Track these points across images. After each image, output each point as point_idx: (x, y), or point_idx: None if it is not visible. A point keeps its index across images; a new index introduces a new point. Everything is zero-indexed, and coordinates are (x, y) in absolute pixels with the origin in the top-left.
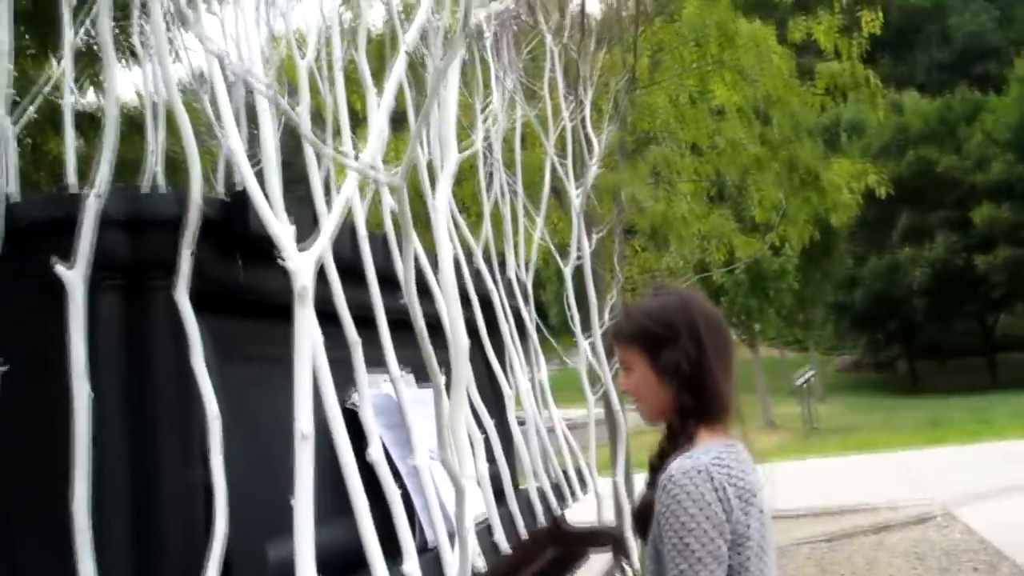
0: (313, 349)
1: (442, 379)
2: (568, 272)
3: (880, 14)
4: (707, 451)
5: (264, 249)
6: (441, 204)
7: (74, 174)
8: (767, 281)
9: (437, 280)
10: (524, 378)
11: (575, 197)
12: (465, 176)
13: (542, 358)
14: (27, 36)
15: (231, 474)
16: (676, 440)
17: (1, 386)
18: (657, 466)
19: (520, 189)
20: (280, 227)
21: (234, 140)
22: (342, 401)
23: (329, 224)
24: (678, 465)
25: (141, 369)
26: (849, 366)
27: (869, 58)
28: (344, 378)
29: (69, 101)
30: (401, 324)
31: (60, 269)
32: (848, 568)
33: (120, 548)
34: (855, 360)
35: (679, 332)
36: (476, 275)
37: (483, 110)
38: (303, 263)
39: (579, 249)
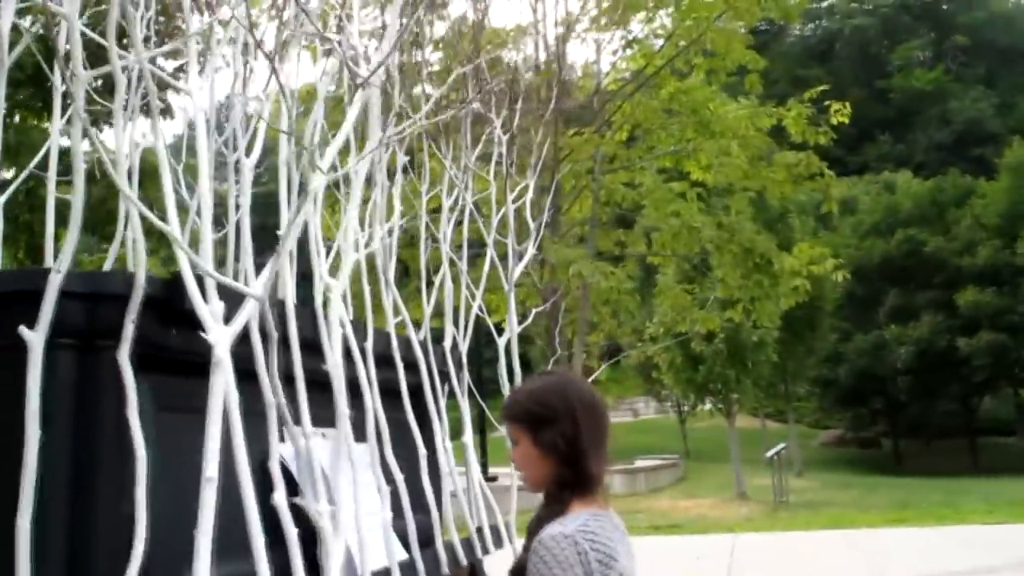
0: (227, 406)
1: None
2: (502, 344)
3: (847, 106)
4: (576, 519)
5: (195, 321)
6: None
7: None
8: (746, 352)
9: (361, 350)
10: (443, 438)
11: (510, 278)
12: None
13: (468, 421)
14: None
15: (158, 506)
16: (552, 509)
17: None
18: (534, 531)
19: (464, 266)
20: (204, 307)
21: (174, 229)
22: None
23: (248, 306)
24: (548, 531)
25: (88, 417)
26: (833, 441)
27: (867, 136)
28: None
29: (52, 189)
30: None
31: (24, 331)
32: None
33: (56, 566)
34: (839, 435)
35: (557, 413)
36: (407, 344)
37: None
38: (220, 336)
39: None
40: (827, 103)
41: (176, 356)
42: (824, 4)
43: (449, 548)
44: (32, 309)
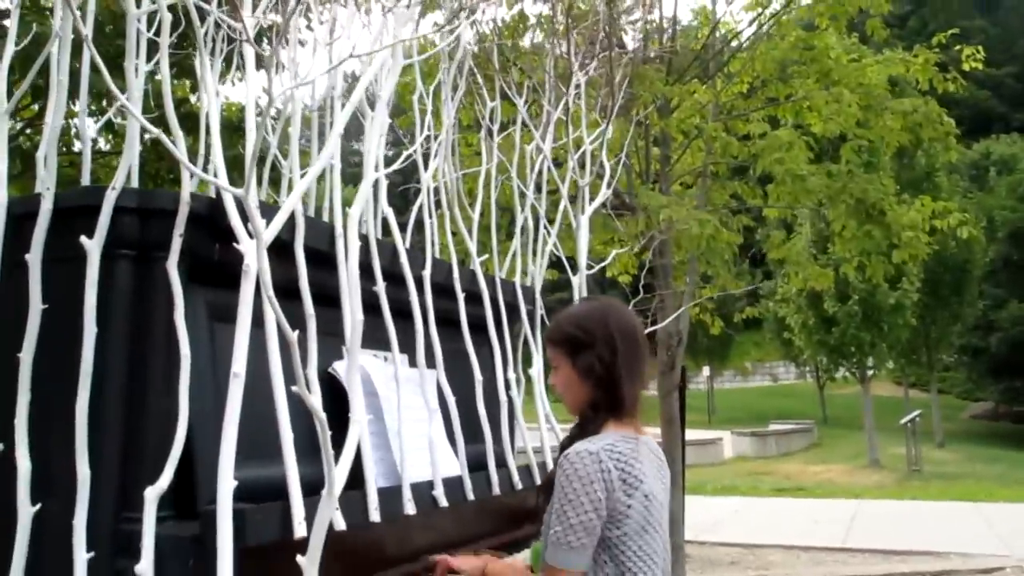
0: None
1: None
2: (576, 282)
3: (979, 50)
4: (604, 438)
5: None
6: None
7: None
8: (881, 314)
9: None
10: (507, 367)
11: (582, 212)
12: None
13: (539, 356)
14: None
15: (203, 403)
16: (585, 429)
17: (45, 321)
18: (564, 448)
19: (543, 209)
20: (238, 221)
21: (218, 159)
22: (325, 367)
23: (280, 216)
24: (575, 447)
25: (139, 320)
26: (985, 414)
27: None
28: (334, 349)
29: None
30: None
31: (84, 239)
32: None
33: (111, 449)
34: (992, 408)
35: (595, 338)
36: (471, 276)
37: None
38: (248, 247)
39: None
40: (958, 47)
41: (225, 271)
42: None
43: (505, 472)
44: (92, 223)
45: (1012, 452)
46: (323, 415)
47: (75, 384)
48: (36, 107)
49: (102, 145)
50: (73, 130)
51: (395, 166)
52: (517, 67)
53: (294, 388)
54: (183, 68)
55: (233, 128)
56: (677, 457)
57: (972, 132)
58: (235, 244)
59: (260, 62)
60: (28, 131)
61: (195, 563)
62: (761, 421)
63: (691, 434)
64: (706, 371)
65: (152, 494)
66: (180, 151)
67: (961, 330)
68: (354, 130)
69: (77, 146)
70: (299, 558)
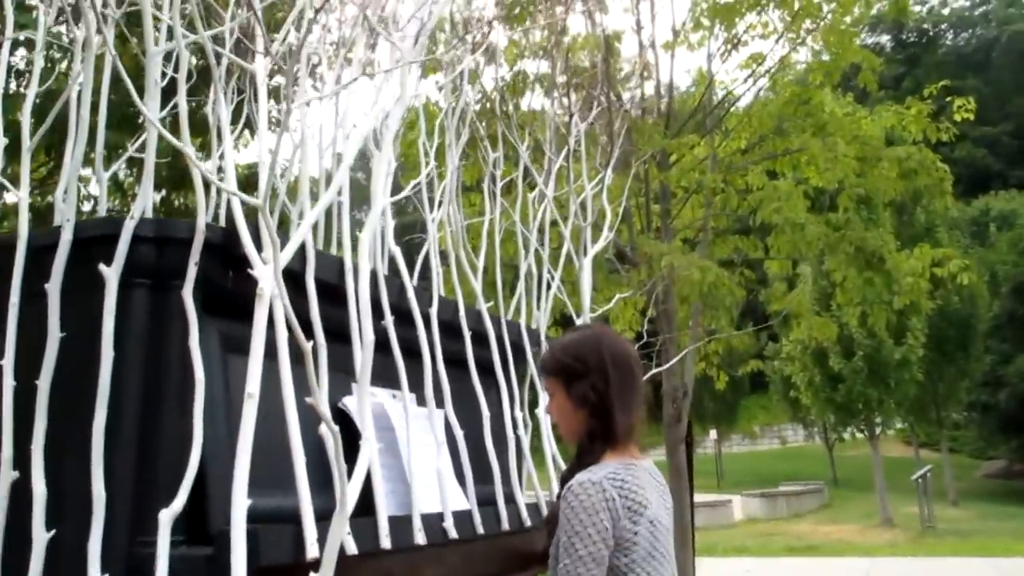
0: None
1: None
2: (579, 322)
3: (970, 102)
4: (605, 467)
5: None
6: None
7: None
8: (887, 370)
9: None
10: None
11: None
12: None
13: (543, 396)
14: None
15: (216, 428)
16: (584, 461)
17: (62, 350)
18: (565, 480)
19: (546, 254)
20: (251, 247)
21: (231, 187)
22: (335, 402)
23: (292, 243)
24: (577, 478)
25: (155, 347)
26: (998, 472)
27: None
28: (343, 386)
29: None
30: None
31: (103, 267)
32: None
33: (125, 472)
34: (1005, 466)
35: (589, 367)
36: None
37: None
38: (264, 273)
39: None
40: (949, 98)
41: (240, 302)
42: (979, 12)
43: (514, 508)
44: (110, 252)
45: None
46: (335, 427)
47: (91, 409)
48: (44, 170)
49: (109, 205)
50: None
51: (402, 194)
52: (517, 125)
53: (308, 399)
54: (194, 123)
55: (242, 186)
56: (686, 511)
57: (971, 190)
58: (249, 271)
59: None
60: (37, 192)
61: None
62: (771, 484)
63: (700, 497)
64: (713, 434)
65: (166, 516)
66: (196, 166)
67: (969, 386)
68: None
69: (85, 206)
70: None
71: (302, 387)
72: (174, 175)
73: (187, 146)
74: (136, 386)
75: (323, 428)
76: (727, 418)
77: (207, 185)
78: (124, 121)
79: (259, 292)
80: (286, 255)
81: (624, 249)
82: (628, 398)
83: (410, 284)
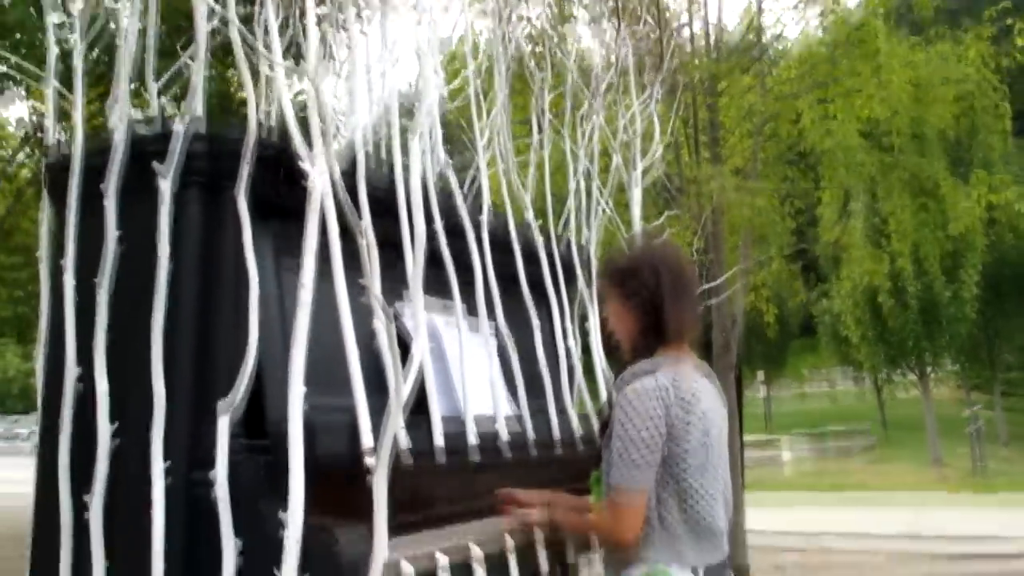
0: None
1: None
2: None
3: None
4: (658, 363)
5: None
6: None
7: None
8: (939, 309)
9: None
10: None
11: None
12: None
13: (593, 309)
14: None
15: (271, 327)
16: (637, 355)
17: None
18: (619, 383)
19: (595, 170)
20: (300, 139)
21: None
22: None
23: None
24: (632, 385)
25: (210, 247)
26: None
27: None
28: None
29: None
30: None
31: (156, 165)
32: None
33: (183, 364)
34: None
35: (640, 266)
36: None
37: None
38: (317, 172)
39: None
40: (1009, 22)
41: (293, 208)
42: None
43: (565, 418)
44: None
45: None
46: (389, 310)
47: (150, 310)
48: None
49: None
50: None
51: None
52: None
53: (361, 281)
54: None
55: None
56: (735, 443)
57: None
58: (299, 164)
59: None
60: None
61: (266, 472)
62: (819, 426)
63: (749, 437)
64: (761, 377)
65: (224, 406)
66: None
67: None
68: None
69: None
70: (367, 458)
71: (354, 291)
72: (218, 104)
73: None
74: (193, 287)
75: (376, 322)
76: (776, 361)
77: (256, 75)
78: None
79: (310, 185)
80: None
81: (672, 179)
82: (680, 296)
83: (459, 192)
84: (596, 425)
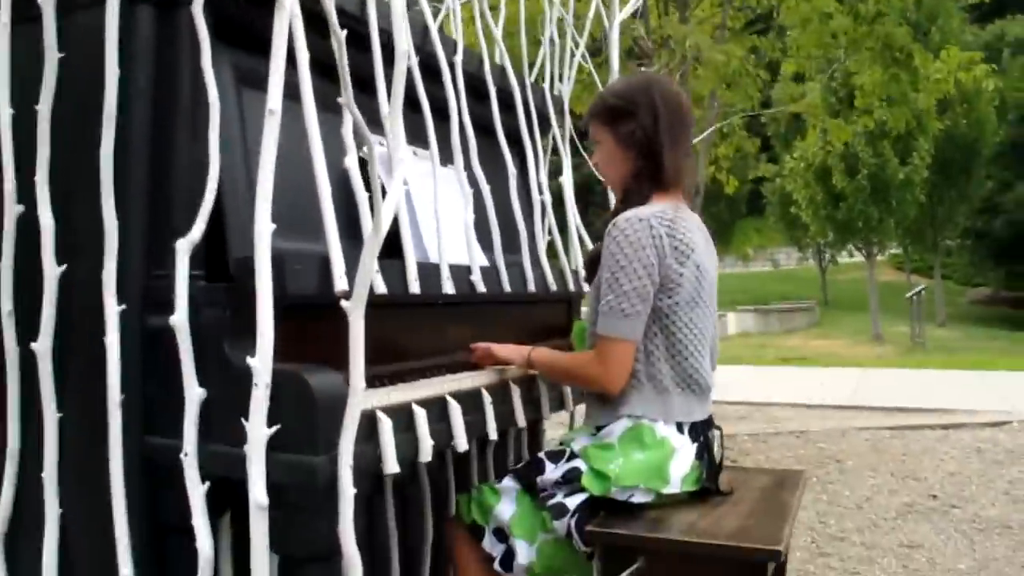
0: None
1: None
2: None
3: None
4: (653, 207)
5: None
6: None
7: None
8: (890, 190)
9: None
10: (538, 171)
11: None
12: None
13: (568, 163)
14: None
15: (233, 155)
16: (629, 202)
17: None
18: (609, 221)
19: (570, 17)
20: None
21: None
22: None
23: None
24: (624, 215)
25: (163, 67)
26: (984, 299)
27: None
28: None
29: None
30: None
31: None
32: (901, 451)
33: (137, 201)
34: (991, 294)
35: (637, 106)
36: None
37: None
38: None
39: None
40: None
41: (257, 33)
42: None
43: (539, 271)
44: None
45: (1011, 332)
46: (370, 136)
47: (98, 135)
48: None
49: None
50: None
51: None
52: None
53: (340, 99)
54: None
55: None
56: None
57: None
58: None
59: None
60: None
61: (231, 314)
62: (763, 302)
63: None
64: None
65: (184, 245)
66: None
67: (967, 211)
68: None
69: None
70: (343, 302)
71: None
72: None
73: None
74: (145, 109)
75: (347, 161)
76: (722, 238)
77: None
78: None
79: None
80: None
81: (642, 39)
82: (678, 138)
83: (432, 22)
84: (582, 267)
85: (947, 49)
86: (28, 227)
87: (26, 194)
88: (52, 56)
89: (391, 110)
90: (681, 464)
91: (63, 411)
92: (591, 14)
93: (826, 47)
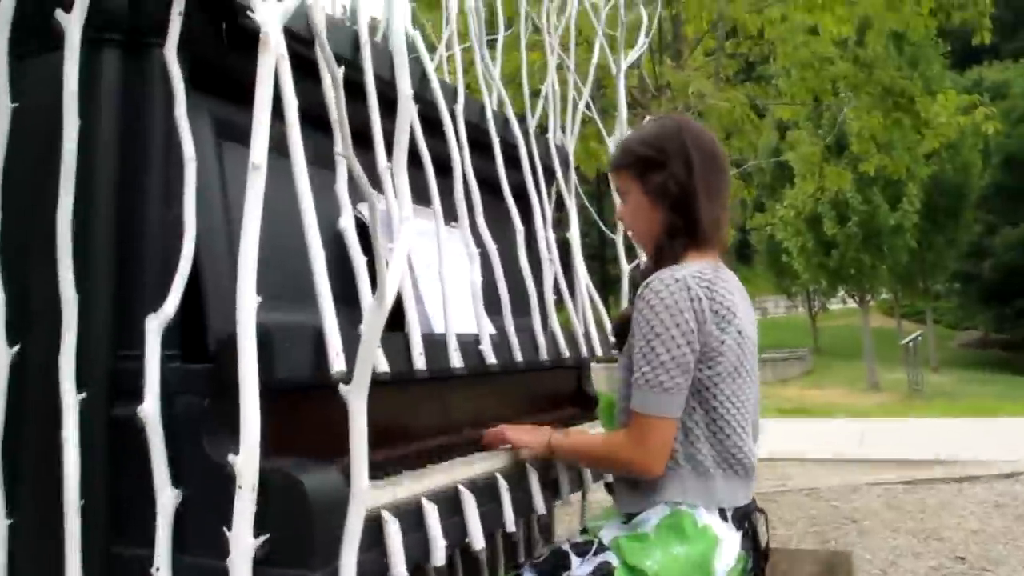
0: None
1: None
2: (611, 143)
3: None
4: (690, 267)
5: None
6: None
7: None
8: (882, 236)
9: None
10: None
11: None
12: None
13: (574, 215)
14: None
15: (212, 218)
16: (662, 261)
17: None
18: (640, 283)
19: (572, 64)
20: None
21: None
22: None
23: None
24: (658, 275)
25: (132, 117)
26: (974, 343)
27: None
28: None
29: None
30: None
31: (60, 15)
32: (918, 507)
33: (102, 272)
34: (981, 337)
35: (668, 156)
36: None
37: None
38: (269, 14)
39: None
40: None
41: (235, 78)
42: None
43: (551, 340)
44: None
45: (1006, 376)
46: (372, 193)
47: (56, 194)
48: None
49: None
50: None
51: None
52: None
53: (337, 150)
54: None
55: None
56: None
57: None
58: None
59: None
60: None
61: (210, 402)
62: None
63: None
64: None
65: (155, 322)
66: None
67: (956, 255)
68: None
69: None
70: (342, 387)
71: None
72: None
73: None
74: (111, 165)
75: (342, 222)
76: None
77: None
78: None
79: (262, 39)
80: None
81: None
82: (714, 188)
83: (430, 64)
84: (611, 335)
85: (944, 93)
86: None
87: None
88: (4, 105)
89: (394, 161)
90: (726, 556)
91: (15, 517)
92: (595, 59)
93: (823, 93)
